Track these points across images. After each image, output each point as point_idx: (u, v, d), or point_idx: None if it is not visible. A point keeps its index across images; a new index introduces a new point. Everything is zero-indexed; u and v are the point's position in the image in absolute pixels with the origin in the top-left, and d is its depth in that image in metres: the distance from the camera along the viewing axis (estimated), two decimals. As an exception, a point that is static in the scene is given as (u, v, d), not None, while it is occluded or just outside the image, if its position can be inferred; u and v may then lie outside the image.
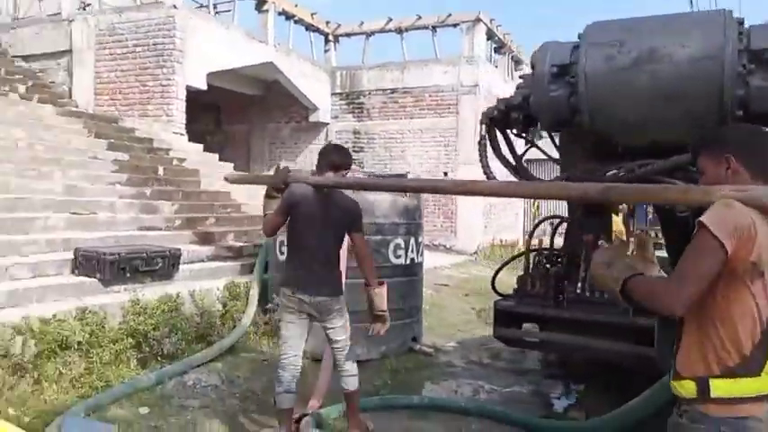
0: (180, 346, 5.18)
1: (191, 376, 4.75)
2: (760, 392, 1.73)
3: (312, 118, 15.25)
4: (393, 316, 5.95)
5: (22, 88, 10.58)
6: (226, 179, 4.17)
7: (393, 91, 14.79)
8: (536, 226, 4.32)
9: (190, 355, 5.16)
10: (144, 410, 4.17)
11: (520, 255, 4.05)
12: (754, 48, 3.18)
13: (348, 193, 3.83)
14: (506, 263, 5.03)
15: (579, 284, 3.85)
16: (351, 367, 3.69)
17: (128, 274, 5.80)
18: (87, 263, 5.73)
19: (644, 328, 3.53)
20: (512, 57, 17.05)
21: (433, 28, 14.78)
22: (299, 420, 3.75)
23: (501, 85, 14.55)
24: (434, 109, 14.42)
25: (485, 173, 4.07)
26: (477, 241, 14.23)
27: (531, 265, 3.96)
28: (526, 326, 4.15)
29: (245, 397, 4.63)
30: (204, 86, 11.38)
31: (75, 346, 4.55)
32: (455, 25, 14.61)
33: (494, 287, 4.46)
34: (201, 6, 13.92)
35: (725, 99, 3.21)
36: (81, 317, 4.87)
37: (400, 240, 6.01)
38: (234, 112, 15.99)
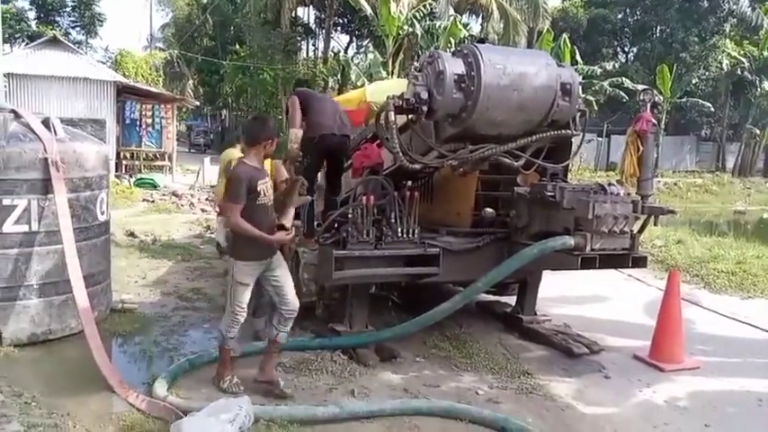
0: None
1: None
2: None
3: None
4: (100, 278, 5.41)
5: None
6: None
7: None
8: (366, 186, 4.86)
9: None
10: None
11: (344, 209, 4.96)
12: (562, 81, 4.76)
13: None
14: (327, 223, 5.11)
15: (390, 230, 4.91)
16: None
17: None
18: None
19: (432, 255, 4.97)
20: None
21: None
22: None
23: None
24: None
25: (401, 153, 4.67)
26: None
27: (357, 217, 4.76)
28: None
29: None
30: None
31: None
32: None
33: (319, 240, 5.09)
34: None
35: (551, 112, 4.79)
36: None
37: (104, 194, 5.32)
38: None
